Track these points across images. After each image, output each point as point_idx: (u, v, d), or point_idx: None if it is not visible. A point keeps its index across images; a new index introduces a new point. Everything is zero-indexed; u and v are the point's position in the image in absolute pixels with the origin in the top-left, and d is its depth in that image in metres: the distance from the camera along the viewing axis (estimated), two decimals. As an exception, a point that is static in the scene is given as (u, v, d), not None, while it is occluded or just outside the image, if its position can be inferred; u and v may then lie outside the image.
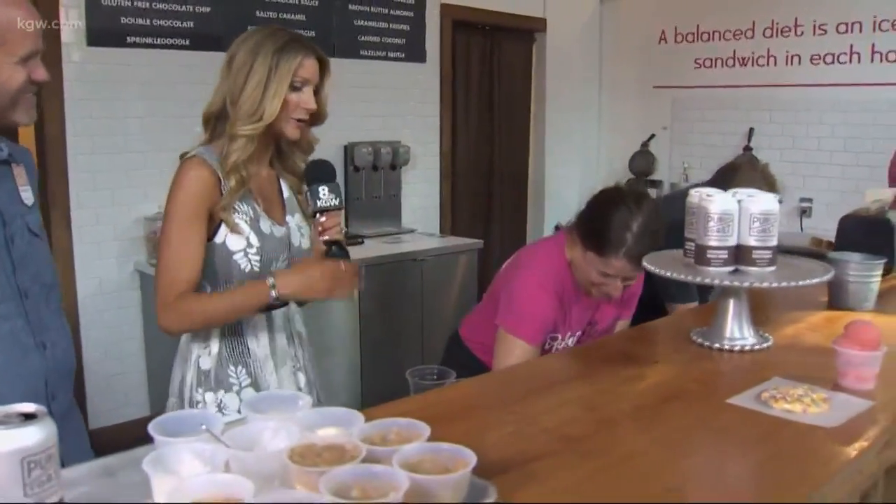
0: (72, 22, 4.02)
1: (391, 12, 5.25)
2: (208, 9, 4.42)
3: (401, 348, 4.63)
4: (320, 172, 1.93)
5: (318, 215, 1.90)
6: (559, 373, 1.85)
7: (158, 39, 4.27)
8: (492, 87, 6.12)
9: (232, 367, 2.04)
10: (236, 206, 1.97)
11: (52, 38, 3.94)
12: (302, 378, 2.15)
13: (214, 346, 2.05)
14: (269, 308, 1.92)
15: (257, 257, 1.97)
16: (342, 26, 5.02)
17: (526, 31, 6.30)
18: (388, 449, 1.05)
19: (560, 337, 2.33)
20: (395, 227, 5.24)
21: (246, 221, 1.97)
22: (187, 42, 4.35)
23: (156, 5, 4.25)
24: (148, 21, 4.23)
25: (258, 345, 2.05)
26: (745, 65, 6.10)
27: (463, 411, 1.49)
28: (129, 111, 4.21)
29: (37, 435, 0.92)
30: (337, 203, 1.90)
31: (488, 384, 1.85)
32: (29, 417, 0.93)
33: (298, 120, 1.95)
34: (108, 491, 0.97)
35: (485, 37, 6.02)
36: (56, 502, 0.94)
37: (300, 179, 2.08)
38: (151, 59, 4.24)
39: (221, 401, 2.05)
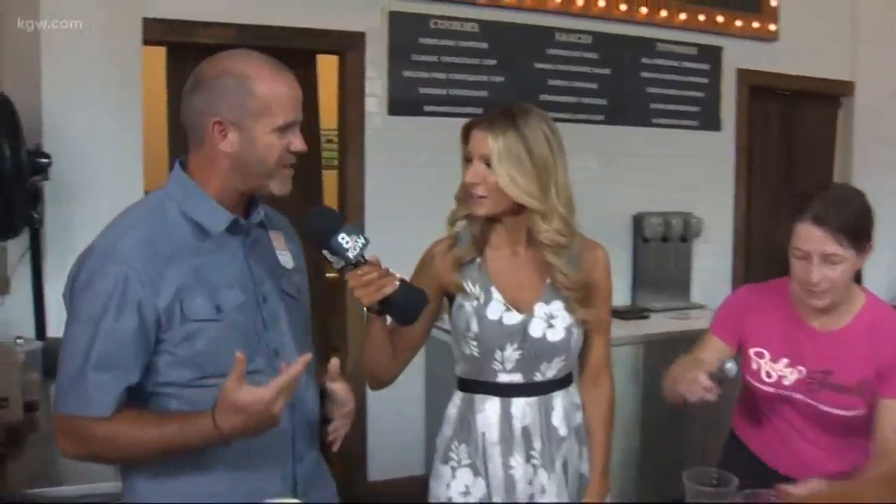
0: (375, 93, 4.24)
1: (684, 79, 5.10)
2: (502, 78, 4.52)
3: (684, 435, 4.32)
4: (326, 222, 1.67)
5: (352, 269, 1.66)
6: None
7: (453, 108, 4.39)
8: (791, 157, 5.74)
9: (457, 442, 1.99)
10: (469, 289, 1.93)
11: (356, 108, 4.22)
12: (543, 476, 1.97)
13: (452, 412, 2.03)
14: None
15: (475, 343, 1.92)
16: (634, 94, 4.94)
17: (830, 96, 5.86)
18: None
19: (767, 355, 2.09)
20: (683, 302, 5.00)
21: (473, 305, 1.92)
22: (481, 111, 4.42)
23: (452, 76, 4.40)
24: (444, 91, 4.38)
25: (488, 427, 1.96)
26: None
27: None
28: (423, 177, 4.31)
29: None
30: (363, 243, 1.66)
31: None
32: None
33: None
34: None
35: (784, 103, 5.67)
36: None
37: (558, 269, 1.93)
38: (446, 126, 4.32)
39: (438, 469, 2.03)
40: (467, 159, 1.93)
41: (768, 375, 2.09)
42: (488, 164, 1.87)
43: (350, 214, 4.22)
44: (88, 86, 3.34)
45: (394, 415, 4.36)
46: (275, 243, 1.77)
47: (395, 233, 4.22)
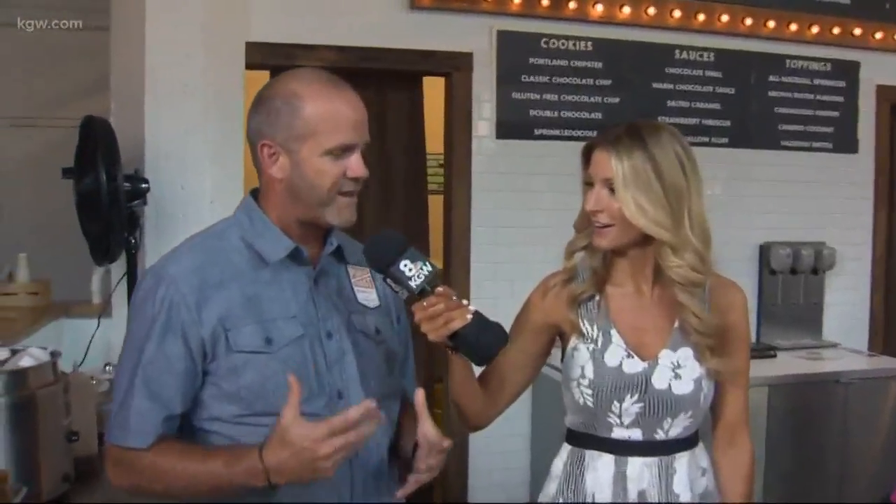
0: (484, 116, 4.14)
1: (817, 98, 4.77)
2: (617, 99, 4.35)
3: (814, 489, 3.95)
4: (386, 248, 1.48)
5: (418, 299, 1.46)
6: None
7: (565, 131, 4.26)
8: (939, 182, 5.29)
9: (562, 501, 1.80)
10: (585, 329, 1.74)
11: (464, 132, 4.11)
12: None
13: (558, 467, 1.84)
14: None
15: (589, 391, 1.71)
16: (761, 115, 4.66)
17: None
18: None
19: None
20: (814, 340, 4.67)
21: (589, 349, 1.73)
22: (595, 134, 4.22)
23: (564, 97, 4.26)
24: (556, 113, 4.24)
25: (599, 487, 1.76)
26: None
27: None
28: (535, 203, 4.19)
29: None
30: (429, 271, 1.45)
31: None
32: None
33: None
34: None
35: (930, 122, 5.24)
36: None
37: (690, 310, 1.70)
38: (558, 150, 4.20)
39: None
40: (588, 184, 1.73)
41: None
42: (612, 190, 1.66)
43: (454, 240, 4.11)
44: (190, 111, 3.31)
45: (497, 454, 4.22)
46: (355, 279, 1.65)
47: (502, 261, 4.16)
